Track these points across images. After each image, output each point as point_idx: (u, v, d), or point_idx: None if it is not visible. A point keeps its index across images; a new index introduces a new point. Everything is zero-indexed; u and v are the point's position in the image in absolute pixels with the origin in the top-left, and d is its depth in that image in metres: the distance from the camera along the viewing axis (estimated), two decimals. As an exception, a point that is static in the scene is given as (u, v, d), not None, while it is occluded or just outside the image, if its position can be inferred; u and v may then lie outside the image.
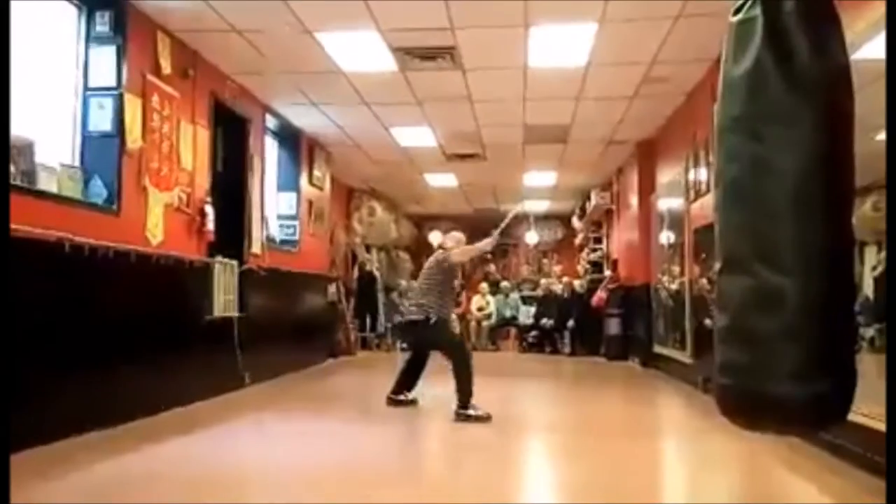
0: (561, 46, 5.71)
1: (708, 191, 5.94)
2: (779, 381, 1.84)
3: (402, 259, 14.31)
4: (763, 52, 1.89)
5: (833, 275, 1.86)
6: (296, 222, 8.42)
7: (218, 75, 6.30)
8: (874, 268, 3.88)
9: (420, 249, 15.08)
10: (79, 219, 4.32)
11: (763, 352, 1.87)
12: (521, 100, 7.16)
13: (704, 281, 6.06)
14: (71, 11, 4.76)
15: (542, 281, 13.35)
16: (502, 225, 5.78)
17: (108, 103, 4.77)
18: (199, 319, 5.73)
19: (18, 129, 3.79)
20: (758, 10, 1.90)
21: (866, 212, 3.60)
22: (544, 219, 15.88)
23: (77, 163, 4.70)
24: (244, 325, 6.38)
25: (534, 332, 11.80)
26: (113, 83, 4.79)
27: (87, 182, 4.64)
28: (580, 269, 13.64)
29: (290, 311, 8.10)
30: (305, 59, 6.02)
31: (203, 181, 5.94)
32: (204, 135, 5.97)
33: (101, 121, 4.76)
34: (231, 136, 6.76)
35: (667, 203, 7.95)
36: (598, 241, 13.01)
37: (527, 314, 12.40)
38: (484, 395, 5.08)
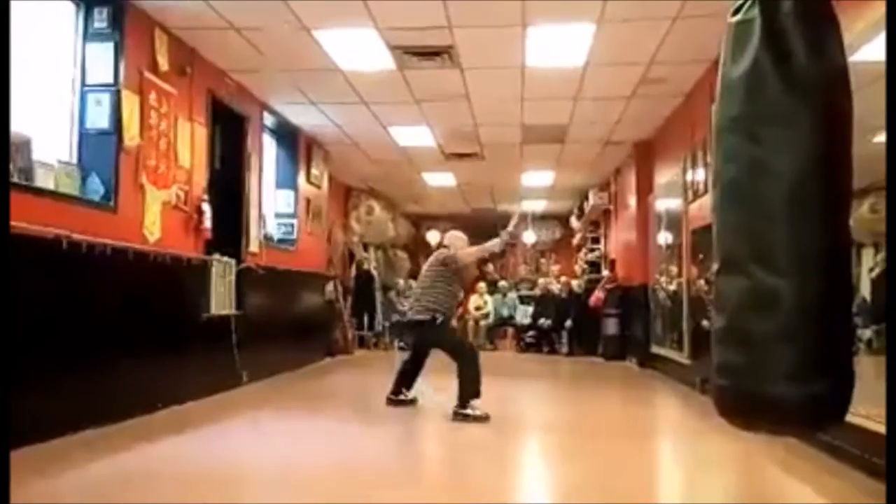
0: (559, 46, 5.71)
1: (706, 191, 5.93)
2: (775, 382, 1.85)
3: (399, 258, 14.30)
4: (761, 53, 1.89)
5: (830, 276, 1.86)
6: (293, 221, 8.40)
7: (216, 73, 6.29)
8: (871, 269, 3.89)
9: (418, 248, 15.12)
10: (76, 216, 4.31)
11: (760, 353, 1.87)
12: (519, 99, 7.16)
13: (702, 282, 6.06)
14: (69, 8, 4.75)
15: (540, 281, 13.32)
16: (510, 226, 5.66)
17: (106, 100, 4.76)
18: (196, 317, 5.71)
19: (16, 125, 3.76)
20: (756, 11, 1.90)
21: (864, 213, 3.61)
22: (542, 219, 15.86)
23: (74, 160, 4.69)
24: (241, 324, 6.37)
25: (531, 332, 11.79)
26: (110, 80, 4.78)
27: (84, 179, 4.63)
28: (578, 268, 13.67)
29: (288, 310, 8.09)
30: (304, 57, 6.01)
31: (200, 179, 5.94)
32: (201, 132, 5.96)
33: (99, 118, 4.75)
34: (229, 133, 6.74)
35: (664, 203, 7.95)
36: (595, 241, 13.03)
37: (524, 314, 12.40)
38: (482, 395, 5.07)
